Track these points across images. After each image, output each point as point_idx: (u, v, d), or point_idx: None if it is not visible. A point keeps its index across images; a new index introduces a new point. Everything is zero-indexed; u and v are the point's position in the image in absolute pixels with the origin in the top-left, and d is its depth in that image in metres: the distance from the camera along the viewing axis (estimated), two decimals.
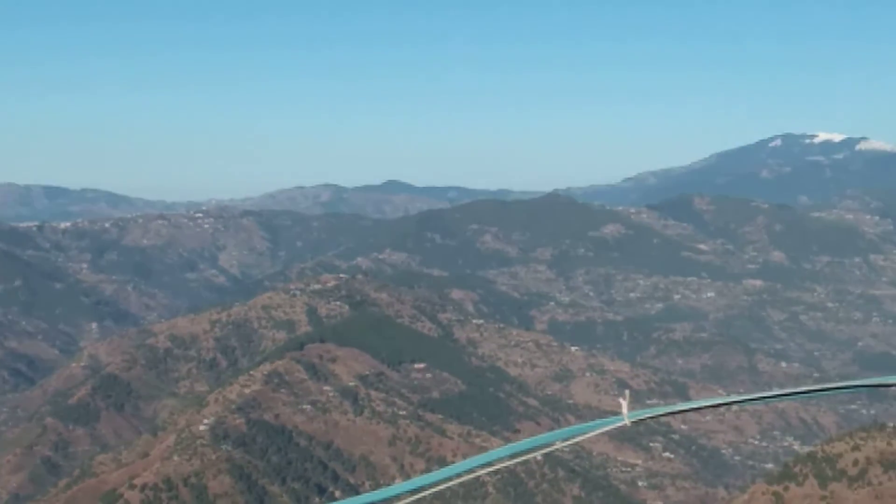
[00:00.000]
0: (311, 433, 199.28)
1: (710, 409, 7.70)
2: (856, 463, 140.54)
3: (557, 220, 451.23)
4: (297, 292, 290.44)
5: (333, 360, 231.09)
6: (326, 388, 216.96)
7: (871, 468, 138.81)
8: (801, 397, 7.30)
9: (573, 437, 7.71)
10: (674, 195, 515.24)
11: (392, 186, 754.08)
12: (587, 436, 7.60)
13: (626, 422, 7.58)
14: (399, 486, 8.23)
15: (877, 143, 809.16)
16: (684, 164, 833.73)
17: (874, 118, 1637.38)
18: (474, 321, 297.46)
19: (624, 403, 7.50)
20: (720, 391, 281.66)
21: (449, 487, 7.69)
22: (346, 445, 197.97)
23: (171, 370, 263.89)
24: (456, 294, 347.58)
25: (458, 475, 7.84)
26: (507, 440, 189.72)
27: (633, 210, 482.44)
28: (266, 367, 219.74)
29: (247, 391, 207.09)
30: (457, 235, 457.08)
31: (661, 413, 7.75)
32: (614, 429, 7.60)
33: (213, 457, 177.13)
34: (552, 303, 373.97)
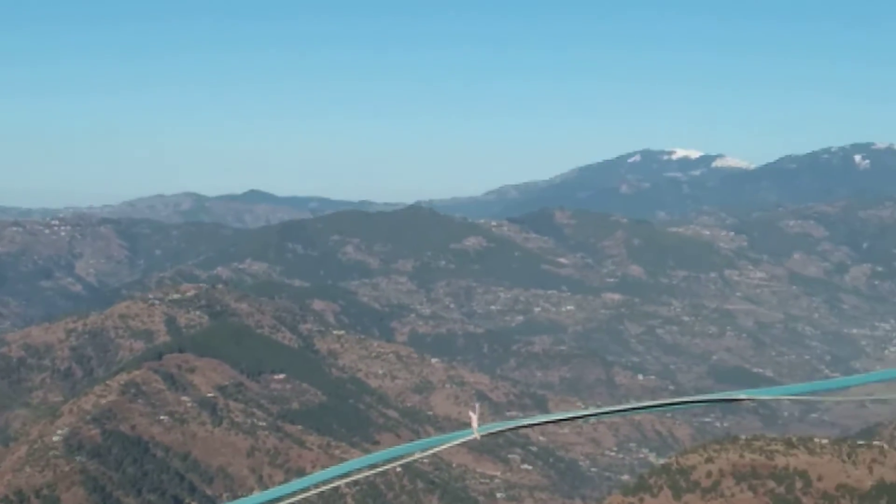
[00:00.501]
0: (168, 444, 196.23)
1: (565, 422, 7.98)
2: (709, 475, 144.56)
3: (419, 232, 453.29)
4: (156, 301, 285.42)
5: (192, 371, 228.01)
6: (185, 398, 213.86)
7: (724, 480, 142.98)
8: (650, 411, 7.47)
9: (425, 449, 7.72)
10: (535, 209, 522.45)
11: (253, 196, 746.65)
12: (437, 449, 7.65)
13: (476, 435, 7.64)
14: (257, 496, 8.41)
15: (732, 161, 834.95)
16: (546, 178, 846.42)
17: (730, 136, 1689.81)
18: (335, 332, 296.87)
19: (474, 417, 7.42)
20: (578, 403, 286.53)
21: (307, 499, 7.96)
22: (203, 456, 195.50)
23: (24, 380, 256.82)
24: (317, 305, 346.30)
25: (317, 486, 7.99)
26: (367, 451, 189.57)
27: (494, 223, 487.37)
28: (123, 377, 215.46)
29: (102, 401, 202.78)
30: (318, 246, 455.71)
31: (510, 427, 7.74)
32: (466, 441, 7.77)
33: (67, 468, 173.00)
34: (413, 315, 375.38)
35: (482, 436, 7.70)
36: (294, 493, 7.58)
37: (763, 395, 7.45)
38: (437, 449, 7.32)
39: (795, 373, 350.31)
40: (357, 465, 7.26)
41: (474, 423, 7.19)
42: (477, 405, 8.34)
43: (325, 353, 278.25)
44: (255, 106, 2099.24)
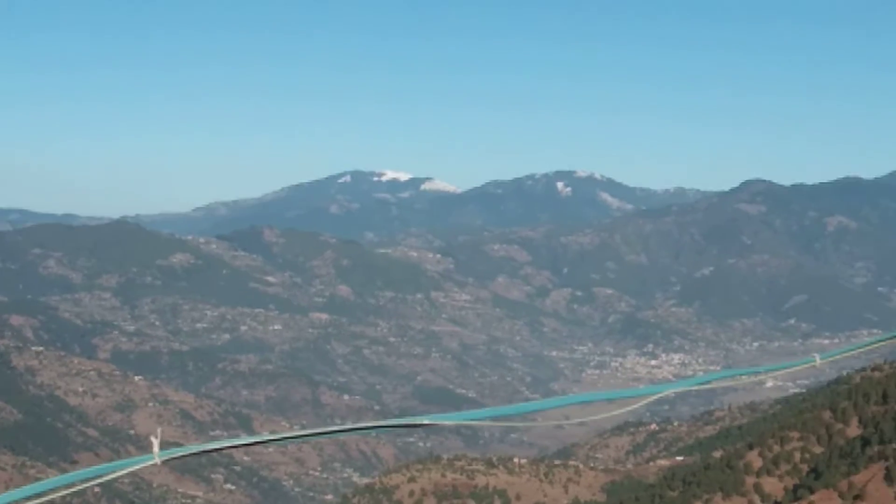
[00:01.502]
0: None
1: (247, 447, 8.54)
2: (411, 494, 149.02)
3: (125, 247, 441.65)
4: None
5: None
6: None
7: (426, 499, 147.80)
8: (328, 436, 8.11)
9: (102, 475, 7.62)
10: (245, 226, 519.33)
11: None
12: (116, 475, 7.61)
13: (157, 460, 7.68)
14: None
15: (441, 184, 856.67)
16: (256, 196, 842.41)
17: (439, 160, 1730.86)
18: (33, 348, 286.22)
19: (155, 442, 7.77)
20: (283, 423, 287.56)
21: None
22: None
23: None
24: (15, 320, 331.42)
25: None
26: (64, 471, 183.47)
27: (202, 240, 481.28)
28: None
29: None
30: (18, 259, 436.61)
31: (193, 451, 7.84)
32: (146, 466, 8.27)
33: None
34: (116, 331, 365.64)
35: (163, 461, 7.72)
36: None
37: (446, 420, 7.99)
38: (115, 475, 7.57)
39: (497, 394, 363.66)
40: (50, 485, 7.48)
41: (155, 448, 7.58)
42: (159, 430, 9.04)
43: (22, 370, 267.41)
44: None
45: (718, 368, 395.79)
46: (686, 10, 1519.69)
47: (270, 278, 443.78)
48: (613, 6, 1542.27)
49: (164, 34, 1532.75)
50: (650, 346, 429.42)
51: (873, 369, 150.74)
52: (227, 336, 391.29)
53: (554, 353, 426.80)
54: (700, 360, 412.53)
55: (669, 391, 10.00)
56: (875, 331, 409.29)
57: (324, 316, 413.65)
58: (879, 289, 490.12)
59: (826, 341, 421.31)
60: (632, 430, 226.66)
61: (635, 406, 9.51)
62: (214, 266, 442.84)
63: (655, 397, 9.70)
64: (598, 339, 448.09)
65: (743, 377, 10.79)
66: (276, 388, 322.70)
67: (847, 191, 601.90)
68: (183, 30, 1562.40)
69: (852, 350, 11.75)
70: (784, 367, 10.93)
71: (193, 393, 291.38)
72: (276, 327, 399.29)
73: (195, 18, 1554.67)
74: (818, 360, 10.60)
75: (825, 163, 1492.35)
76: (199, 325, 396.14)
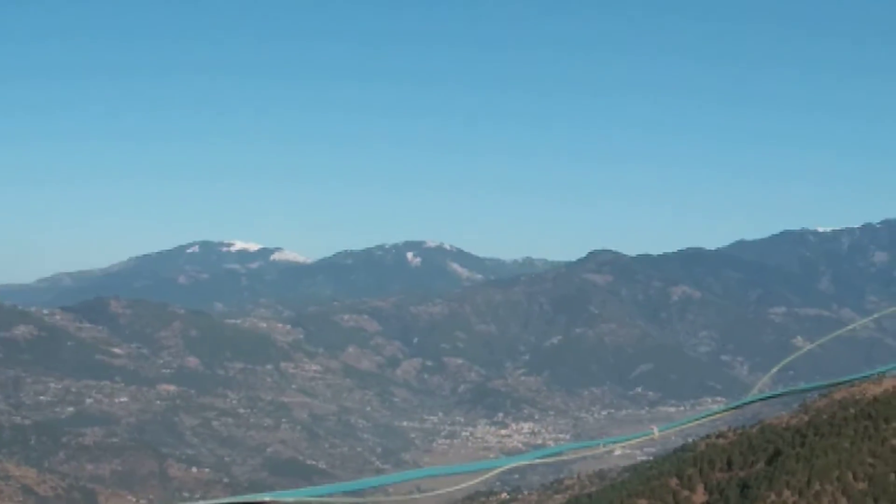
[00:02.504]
0: None
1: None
2: None
3: None
4: None
5: None
6: None
7: None
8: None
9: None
10: (90, 297, 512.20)
11: None
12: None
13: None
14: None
15: (290, 255, 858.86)
16: (102, 267, 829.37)
17: (289, 230, 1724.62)
18: None
19: None
20: (130, 497, 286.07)
21: None
22: None
23: None
24: None
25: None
26: None
27: (46, 311, 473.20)
28: None
29: None
30: None
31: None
32: None
33: None
34: None
35: None
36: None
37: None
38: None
39: (348, 465, 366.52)
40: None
41: None
42: None
43: None
44: None
45: (568, 437, 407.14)
46: (531, 82, 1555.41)
47: (117, 350, 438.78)
48: (459, 80, 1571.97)
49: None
50: (500, 416, 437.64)
51: (718, 436, 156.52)
52: (71, 409, 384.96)
53: (405, 424, 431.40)
54: (550, 429, 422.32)
55: (522, 462, 10.71)
56: (719, 398, 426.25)
57: (172, 387, 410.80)
58: (722, 357, 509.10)
59: (672, 409, 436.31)
60: (482, 499, 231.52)
61: (487, 476, 10.17)
62: (59, 338, 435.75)
63: (506, 467, 10.35)
64: (449, 408, 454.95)
65: (595, 448, 11.34)
66: (122, 461, 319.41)
67: (690, 261, 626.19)
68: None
69: (689, 422, 12.53)
70: (623, 440, 11.44)
71: (36, 468, 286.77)
72: (122, 399, 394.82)
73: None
74: (656, 433, 11.50)
75: (669, 233, 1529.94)
76: (42, 399, 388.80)
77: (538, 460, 10.50)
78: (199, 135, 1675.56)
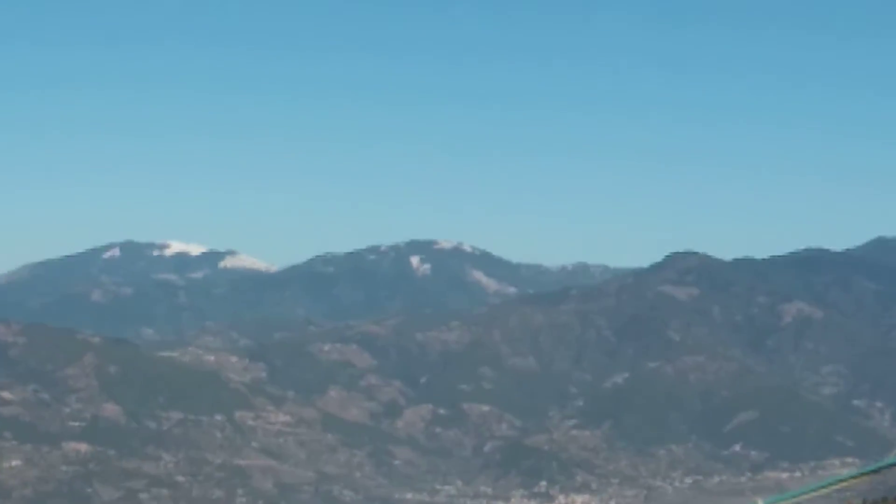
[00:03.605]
0: None
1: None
2: None
3: None
4: None
5: None
6: None
7: None
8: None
9: None
10: None
11: None
12: None
13: None
14: None
15: (248, 260, 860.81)
16: None
17: (245, 228, 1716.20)
18: None
19: None
20: None
21: None
22: None
23: None
24: None
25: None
26: None
27: None
28: None
29: None
30: None
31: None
32: None
33: None
34: None
35: None
36: None
37: None
38: None
39: None
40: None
41: None
42: None
43: None
44: None
45: None
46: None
47: (6, 394, 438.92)
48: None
49: None
50: (543, 485, 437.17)
51: None
52: None
53: (409, 496, 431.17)
54: (613, 503, 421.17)
55: None
56: (849, 460, 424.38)
57: (83, 446, 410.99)
58: (854, 402, 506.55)
59: (784, 475, 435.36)
60: None
61: None
62: None
63: None
64: (471, 475, 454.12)
65: None
66: None
67: (809, 267, 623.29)
68: None
69: (807, 493, 14.16)
70: None
71: None
72: (14, 463, 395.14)
73: None
74: None
75: (779, 230, 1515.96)
76: None
77: None
78: (120, 108, 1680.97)
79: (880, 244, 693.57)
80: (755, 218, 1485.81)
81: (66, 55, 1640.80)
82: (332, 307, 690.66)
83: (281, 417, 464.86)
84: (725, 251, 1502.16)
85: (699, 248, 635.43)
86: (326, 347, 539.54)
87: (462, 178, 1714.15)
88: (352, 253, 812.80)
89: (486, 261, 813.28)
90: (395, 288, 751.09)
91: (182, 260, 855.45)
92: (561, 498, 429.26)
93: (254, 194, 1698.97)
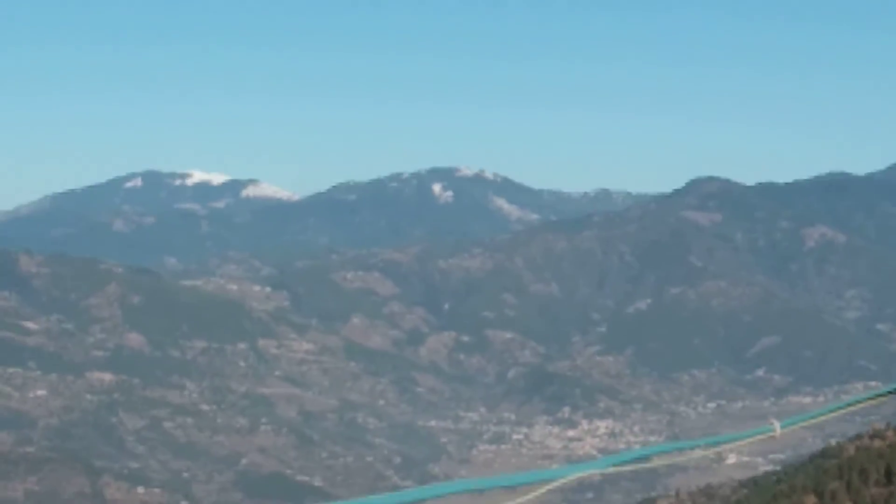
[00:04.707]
0: None
1: None
2: None
3: None
4: None
5: None
6: None
7: None
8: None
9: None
10: None
11: None
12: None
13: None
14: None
15: (270, 189, 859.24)
16: (7, 210, 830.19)
17: (267, 156, 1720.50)
18: None
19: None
20: None
21: None
22: None
23: None
24: None
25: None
26: None
27: None
28: None
29: None
30: None
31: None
32: None
33: None
34: None
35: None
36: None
37: None
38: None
39: (354, 480, 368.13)
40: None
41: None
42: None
43: None
44: None
45: (661, 439, 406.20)
46: None
47: (30, 324, 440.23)
48: None
49: None
50: (566, 411, 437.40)
51: (872, 436, 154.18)
52: None
53: (432, 423, 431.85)
54: (636, 428, 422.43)
55: (594, 471, 10.52)
56: (872, 383, 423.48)
57: (107, 376, 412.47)
58: (878, 326, 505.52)
59: (807, 399, 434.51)
60: None
61: (542, 492, 10.09)
62: None
63: (572, 478, 10.12)
64: (494, 401, 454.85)
65: (692, 450, 11.50)
66: (39, 479, 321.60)
67: (832, 191, 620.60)
68: None
69: (824, 414, 12.26)
70: (731, 440, 11.33)
71: None
72: (39, 393, 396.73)
73: None
74: (778, 429, 11.25)
75: (802, 154, 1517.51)
76: None
77: (616, 467, 10.32)
78: (139, 30, 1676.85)
79: None
80: (777, 142, 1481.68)
81: None
82: (355, 235, 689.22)
83: (304, 346, 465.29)
84: (748, 176, 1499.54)
85: (721, 173, 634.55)
86: (349, 275, 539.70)
87: (483, 105, 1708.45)
88: (373, 181, 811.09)
89: (507, 187, 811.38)
90: (417, 215, 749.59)
91: (204, 189, 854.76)
92: (584, 423, 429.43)
93: (275, 123, 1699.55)
